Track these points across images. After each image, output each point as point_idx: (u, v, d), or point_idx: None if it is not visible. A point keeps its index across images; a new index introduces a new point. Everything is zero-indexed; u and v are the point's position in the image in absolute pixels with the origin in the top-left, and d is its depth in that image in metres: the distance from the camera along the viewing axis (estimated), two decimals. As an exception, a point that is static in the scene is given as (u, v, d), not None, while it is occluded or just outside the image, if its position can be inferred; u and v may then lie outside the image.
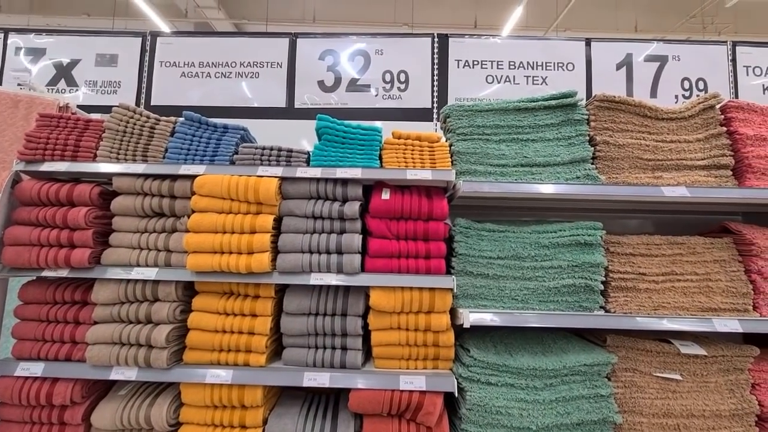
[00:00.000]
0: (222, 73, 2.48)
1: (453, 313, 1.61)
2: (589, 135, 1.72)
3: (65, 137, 1.66)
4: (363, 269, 1.59)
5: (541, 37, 2.67)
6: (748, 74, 2.46)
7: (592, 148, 1.70)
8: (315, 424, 1.52)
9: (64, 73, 2.46)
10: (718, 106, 1.76)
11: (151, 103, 2.45)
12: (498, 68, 2.45)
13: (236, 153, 1.68)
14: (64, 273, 1.58)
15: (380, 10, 9.79)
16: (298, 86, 2.47)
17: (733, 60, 2.47)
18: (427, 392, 1.51)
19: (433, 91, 2.45)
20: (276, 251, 1.60)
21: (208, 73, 2.48)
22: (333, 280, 1.55)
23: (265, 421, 1.54)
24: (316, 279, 1.56)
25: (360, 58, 2.46)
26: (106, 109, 1.63)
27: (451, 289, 1.57)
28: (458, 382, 1.55)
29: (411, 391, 1.51)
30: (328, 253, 1.58)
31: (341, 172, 1.60)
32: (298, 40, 2.51)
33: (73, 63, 2.48)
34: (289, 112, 2.43)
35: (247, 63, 2.47)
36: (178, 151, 1.66)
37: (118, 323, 1.57)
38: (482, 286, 1.64)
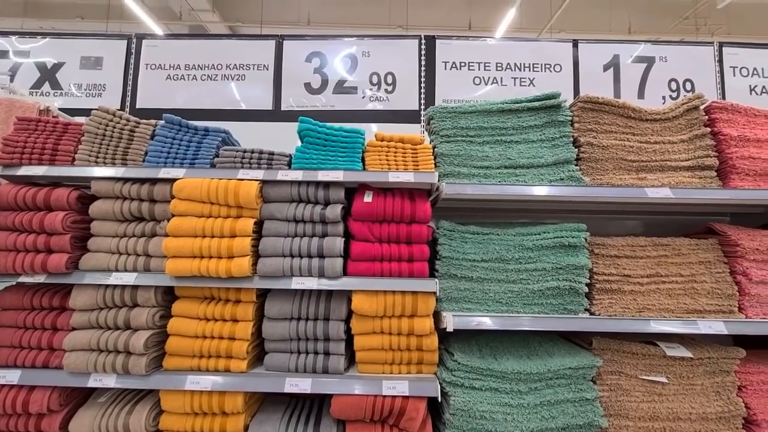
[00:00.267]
0: (208, 75, 2.46)
1: (437, 316, 1.60)
2: (573, 136, 1.71)
3: (43, 141, 1.64)
4: (345, 273, 1.57)
5: (529, 38, 2.66)
6: (735, 75, 2.46)
7: (576, 150, 1.69)
8: (297, 430, 1.50)
9: (48, 76, 2.44)
10: (702, 107, 1.75)
11: (137, 106, 2.43)
12: (485, 70, 2.45)
13: (217, 156, 1.66)
14: (41, 279, 1.55)
15: (375, 12, 9.80)
16: (285, 88, 2.45)
17: (720, 61, 2.47)
18: (410, 397, 1.49)
19: (420, 93, 2.44)
20: (257, 255, 1.58)
21: (194, 75, 2.46)
22: (314, 284, 1.53)
23: (246, 428, 1.52)
24: (297, 283, 1.54)
25: (347, 60, 2.45)
26: (90, 113, 1.61)
27: (434, 293, 1.55)
28: (442, 387, 1.53)
29: (394, 397, 1.49)
30: (310, 256, 1.56)
31: (323, 175, 1.58)
32: (284, 42, 2.49)
33: (58, 66, 2.46)
34: (276, 114, 2.42)
35: (234, 65, 2.45)
36: (158, 154, 1.64)
37: (96, 329, 1.55)
38: (466, 289, 1.62)
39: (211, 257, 1.53)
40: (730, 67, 2.46)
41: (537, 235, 1.63)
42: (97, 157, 1.64)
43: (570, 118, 1.72)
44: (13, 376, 1.51)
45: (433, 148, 1.73)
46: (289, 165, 1.65)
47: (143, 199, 1.60)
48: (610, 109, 1.71)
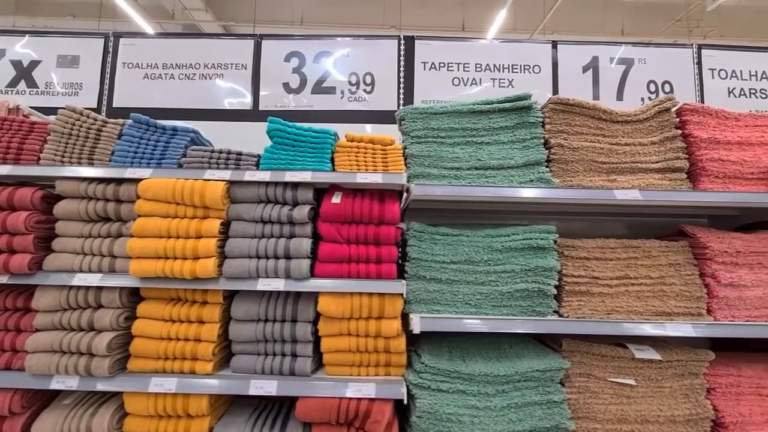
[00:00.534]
0: (186, 74, 2.44)
1: (407, 318, 1.59)
2: (544, 138, 1.71)
3: (8, 140, 1.62)
4: (313, 274, 1.56)
5: (508, 39, 2.66)
6: (713, 77, 2.47)
7: (547, 151, 1.68)
8: (262, 433, 1.48)
9: (24, 75, 2.42)
10: (673, 109, 1.75)
11: (114, 105, 2.41)
12: (465, 71, 2.44)
13: (184, 156, 1.65)
14: (4, 279, 1.53)
15: (368, 12, 9.80)
16: (263, 88, 2.44)
17: (699, 63, 2.47)
18: (376, 400, 1.48)
19: (399, 94, 2.43)
20: (224, 256, 1.56)
21: (172, 74, 2.44)
22: (281, 285, 1.52)
23: (211, 430, 1.50)
24: (263, 284, 1.52)
25: (326, 59, 2.44)
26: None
27: (402, 294, 1.54)
28: (409, 389, 1.52)
29: (359, 399, 1.48)
30: (276, 258, 1.55)
31: (290, 176, 1.57)
32: (263, 41, 2.48)
33: (34, 64, 2.44)
34: (255, 114, 2.40)
35: (212, 65, 2.44)
36: (124, 153, 1.63)
37: (59, 331, 1.53)
38: (435, 291, 1.61)
39: (176, 258, 1.51)
40: (709, 69, 2.47)
41: (506, 237, 1.63)
42: (63, 157, 1.63)
43: (541, 120, 1.72)
44: (-26, 378, 1.49)
45: (404, 149, 1.72)
46: (258, 165, 1.64)
47: (109, 199, 1.59)
48: (581, 111, 1.71)
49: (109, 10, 9.38)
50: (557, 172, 1.68)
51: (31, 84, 2.42)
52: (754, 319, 1.60)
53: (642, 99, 2.44)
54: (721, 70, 2.47)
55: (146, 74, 2.44)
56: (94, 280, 1.52)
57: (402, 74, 2.45)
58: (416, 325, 1.52)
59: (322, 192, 1.67)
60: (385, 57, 2.47)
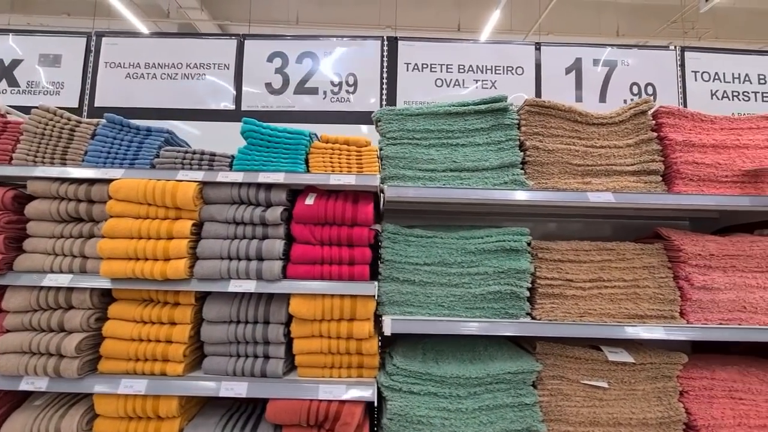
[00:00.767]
0: (168, 74, 2.43)
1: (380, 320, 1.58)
2: (519, 140, 1.70)
3: (-20, 140, 1.61)
4: (285, 276, 1.56)
5: (492, 40, 2.66)
6: (696, 79, 2.47)
7: (522, 153, 1.68)
8: (232, 435, 1.48)
9: (5, 74, 2.41)
10: (650, 112, 1.75)
11: (95, 105, 2.40)
12: (448, 72, 2.44)
13: (158, 156, 1.64)
14: (-26, 280, 1.52)
15: (364, 12, 9.80)
16: (246, 88, 2.43)
17: (682, 65, 2.47)
18: (347, 402, 1.48)
19: (381, 94, 2.43)
20: (196, 257, 1.56)
21: (154, 74, 2.43)
22: (252, 286, 1.52)
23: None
24: (235, 286, 1.52)
25: (308, 60, 2.43)
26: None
27: (373, 296, 1.54)
28: (381, 391, 1.52)
29: (330, 401, 1.48)
30: (248, 259, 1.54)
31: (263, 177, 1.56)
32: (246, 41, 2.47)
33: (15, 63, 2.43)
34: (237, 114, 2.39)
35: (194, 64, 2.43)
36: (97, 154, 1.62)
37: (29, 332, 1.52)
38: (408, 293, 1.61)
39: (146, 259, 1.51)
40: (692, 71, 2.47)
41: (480, 239, 1.63)
42: (35, 157, 1.62)
43: (517, 122, 1.71)
44: (-57, 379, 1.48)
45: (380, 150, 1.71)
46: (232, 166, 1.63)
47: (81, 199, 1.58)
48: (556, 113, 1.71)
49: (103, 8, 9.35)
50: (532, 174, 1.68)
51: (13, 83, 2.41)
52: (727, 322, 1.60)
53: (625, 101, 2.44)
54: (704, 72, 2.48)
55: (128, 74, 2.43)
56: (64, 280, 1.52)
57: (385, 75, 2.44)
58: (387, 327, 1.52)
59: (298, 193, 1.66)
60: (368, 58, 2.46)
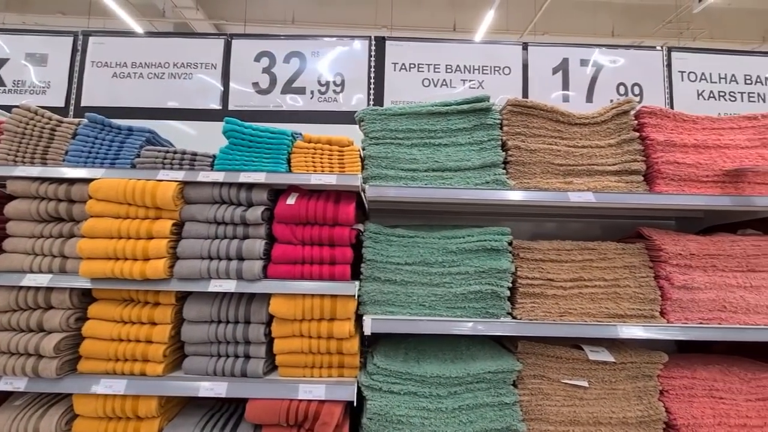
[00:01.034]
0: (155, 73, 2.43)
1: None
2: (501, 140, 1.71)
3: (-40, 139, 1.61)
4: (266, 275, 1.56)
5: (479, 41, 2.66)
6: (683, 79, 2.47)
7: (504, 153, 1.68)
8: (212, 435, 1.48)
9: (-10, 73, 2.40)
10: (632, 112, 1.75)
11: (82, 104, 2.39)
12: (435, 71, 2.44)
13: (139, 156, 1.64)
14: (-48, 280, 1.52)
15: (360, 12, 9.80)
16: (233, 88, 2.43)
17: (669, 65, 2.48)
18: (326, 401, 1.48)
19: (369, 94, 2.43)
20: (176, 257, 1.56)
21: (141, 73, 2.42)
22: (232, 286, 1.52)
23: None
24: (215, 286, 1.52)
25: (296, 59, 2.43)
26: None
27: (354, 296, 1.54)
28: (361, 391, 1.52)
29: (309, 401, 1.48)
30: (229, 259, 1.54)
31: (245, 177, 1.56)
32: (233, 41, 2.47)
33: (2, 62, 2.42)
34: (224, 113, 2.39)
35: (181, 64, 2.42)
36: (78, 153, 1.62)
37: (8, 332, 1.52)
38: (390, 292, 1.61)
39: (126, 259, 1.51)
40: (679, 71, 2.47)
41: (461, 239, 1.63)
42: (16, 156, 1.61)
43: (499, 122, 1.72)
44: None
45: (362, 149, 1.71)
46: (213, 166, 1.63)
47: (61, 199, 1.57)
48: (539, 113, 1.71)
49: (98, 8, 9.33)
50: (514, 174, 1.68)
51: (-2, 82, 2.41)
52: (708, 322, 1.60)
53: (611, 101, 2.44)
54: (690, 72, 2.48)
55: (115, 73, 2.42)
56: (44, 280, 1.51)
57: (372, 75, 2.44)
58: (368, 327, 1.52)
59: (281, 193, 1.66)
60: (356, 57, 2.46)
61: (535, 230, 2.20)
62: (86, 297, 1.59)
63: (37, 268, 1.53)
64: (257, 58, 2.44)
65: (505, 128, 1.71)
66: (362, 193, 1.68)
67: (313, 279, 1.55)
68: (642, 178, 1.70)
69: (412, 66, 2.45)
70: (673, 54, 2.48)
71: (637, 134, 1.72)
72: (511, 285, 1.60)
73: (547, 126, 1.72)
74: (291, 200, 1.60)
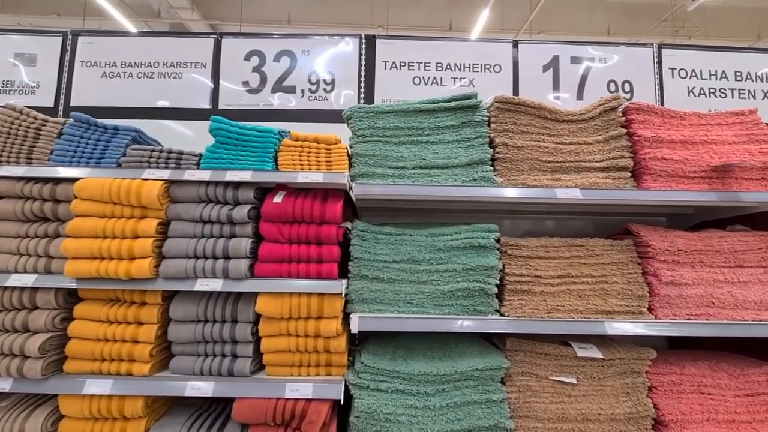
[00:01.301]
0: (144, 73, 2.42)
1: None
2: (489, 137, 1.70)
3: (-56, 139, 1.60)
4: (253, 274, 1.55)
5: (469, 38, 2.66)
6: (673, 76, 2.48)
7: (491, 150, 1.68)
8: (199, 434, 1.47)
9: (-21, 73, 2.39)
10: (620, 108, 1.75)
11: (71, 104, 2.38)
12: (425, 70, 2.43)
13: (125, 155, 1.63)
14: (-63, 280, 1.51)
15: (356, 12, 9.79)
16: (223, 87, 2.42)
17: (659, 62, 2.48)
18: (313, 400, 1.48)
19: (359, 93, 2.42)
20: (162, 257, 1.55)
21: (130, 73, 2.41)
22: (219, 285, 1.51)
23: (147, 432, 1.49)
24: (201, 285, 1.51)
25: (286, 58, 2.42)
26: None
27: (340, 294, 1.53)
28: (349, 389, 1.51)
29: (296, 400, 1.47)
30: (215, 258, 1.53)
31: (231, 175, 1.56)
32: (223, 40, 2.46)
33: (-10, 62, 2.41)
34: (214, 113, 2.38)
35: (171, 63, 2.41)
36: (63, 153, 1.61)
37: (-7, 332, 1.51)
38: (378, 290, 1.60)
39: (111, 258, 1.50)
40: (669, 68, 2.47)
41: (449, 236, 1.62)
42: (1, 156, 1.60)
43: (487, 119, 1.71)
44: None
45: (350, 147, 1.71)
46: (199, 165, 1.63)
47: (46, 198, 1.57)
48: (526, 110, 1.71)
49: (93, 8, 9.30)
50: (502, 171, 1.68)
51: (-14, 82, 2.40)
52: (695, 317, 1.60)
53: (602, 98, 2.44)
54: (681, 69, 2.48)
55: (104, 73, 2.41)
56: (29, 280, 1.50)
57: (363, 73, 2.44)
58: (354, 325, 1.52)
59: (269, 191, 1.65)
60: (346, 56, 2.45)
61: (526, 227, 2.20)
62: (72, 297, 1.58)
63: (22, 268, 1.52)
64: (247, 57, 2.44)
65: (492, 125, 1.71)
66: (350, 191, 1.68)
67: (300, 277, 1.54)
68: (629, 174, 1.70)
69: (402, 64, 2.44)
70: (664, 51, 2.48)
71: (625, 131, 1.71)
72: (498, 282, 1.60)
73: (534, 123, 1.72)
74: (278, 198, 1.59)
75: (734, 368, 1.65)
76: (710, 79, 2.50)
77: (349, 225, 1.69)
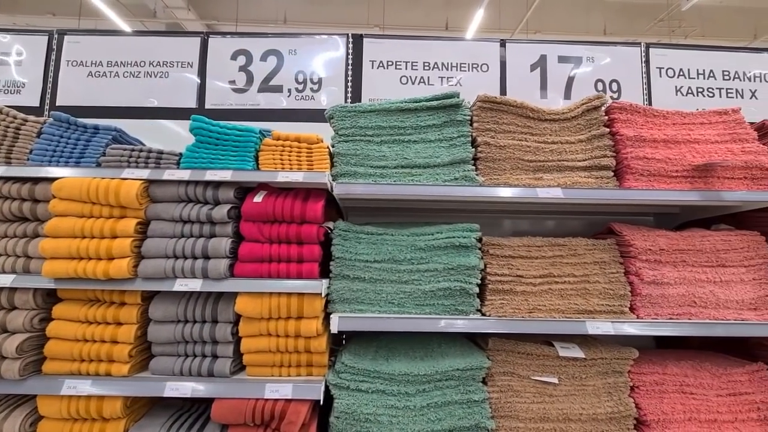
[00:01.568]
0: (131, 72, 2.41)
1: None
2: (471, 136, 1.70)
3: (-77, 138, 1.59)
4: (233, 274, 1.54)
5: (456, 38, 2.66)
6: (661, 76, 2.47)
7: (473, 149, 1.67)
8: (178, 435, 1.47)
9: (-36, 73, 2.38)
10: (603, 108, 1.75)
11: (57, 104, 2.37)
12: (413, 69, 2.43)
13: (104, 155, 1.62)
14: None
15: (352, 11, 9.78)
16: (209, 86, 2.41)
17: (647, 61, 2.48)
18: (293, 400, 1.47)
19: (346, 92, 2.42)
20: (141, 257, 1.54)
21: (117, 72, 2.40)
22: (198, 285, 1.50)
23: (126, 433, 1.48)
24: (180, 285, 1.50)
25: (273, 58, 2.42)
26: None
27: (320, 294, 1.53)
28: (329, 390, 1.51)
29: (276, 400, 1.47)
30: (194, 257, 1.52)
31: (211, 174, 1.55)
32: (209, 39, 2.45)
33: (-25, 62, 2.40)
34: (200, 112, 2.37)
35: (157, 62, 2.41)
36: (43, 152, 1.60)
37: (-29, 333, 1.50)
38: (359, 290, 1.60)
39: (89, 258, 1.49)
40: (657, 67, 2.47)
41: (430, 236, 1.62)
42: (-21, 156, 1.59)
43: (469, 118, 1.71)
44: None
45: (332, 147, 1.70)
46: (179, 164, 1.62)
47: (25, 198, 1.56)
48: (508, 109, 1.71)
49: (89, 8, 9.28)
50: (484, 171, 1.67)
51: (-29, 82, 2.39)
52: (677, 317, 1.60)
53: (589, 98, 2.44)
54: (668, 68, 2.48)
55: (90, 72, 2.40)
56: (6, 281, 1.49)
57: (350, 73, 2.43)
58: (334, 325, 1.51)
59: (249, 191, 1.65)
60: (333, 55, 2.45)
61: (509, 227, 2.20)
62: (51, 297, 1.58)
63: (0, 268, 1.52)
64: (234, 57, 2.43)
65: (475, 124, 1.70)
66: (332, 191, 1.67)
67: (281, 277, 1.54)
68: (612, 173, 1.70)
69: (390, 63, 2.44)
70: (652, 50, 2.48)
71: (608, 130, 1.71)
72: (480, 282, 1.59)
73: (517, 122, 1.71)
74: (258, 198, 1.59)
75: (717, 368, 1.65)
76: (698, 78, 2.50)
77: (331, 225, 1.69)
